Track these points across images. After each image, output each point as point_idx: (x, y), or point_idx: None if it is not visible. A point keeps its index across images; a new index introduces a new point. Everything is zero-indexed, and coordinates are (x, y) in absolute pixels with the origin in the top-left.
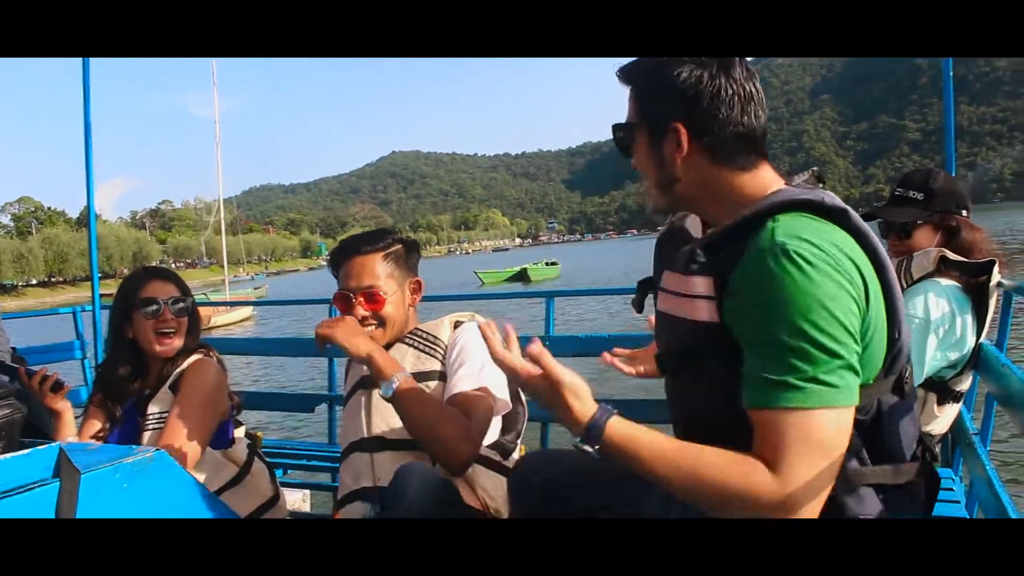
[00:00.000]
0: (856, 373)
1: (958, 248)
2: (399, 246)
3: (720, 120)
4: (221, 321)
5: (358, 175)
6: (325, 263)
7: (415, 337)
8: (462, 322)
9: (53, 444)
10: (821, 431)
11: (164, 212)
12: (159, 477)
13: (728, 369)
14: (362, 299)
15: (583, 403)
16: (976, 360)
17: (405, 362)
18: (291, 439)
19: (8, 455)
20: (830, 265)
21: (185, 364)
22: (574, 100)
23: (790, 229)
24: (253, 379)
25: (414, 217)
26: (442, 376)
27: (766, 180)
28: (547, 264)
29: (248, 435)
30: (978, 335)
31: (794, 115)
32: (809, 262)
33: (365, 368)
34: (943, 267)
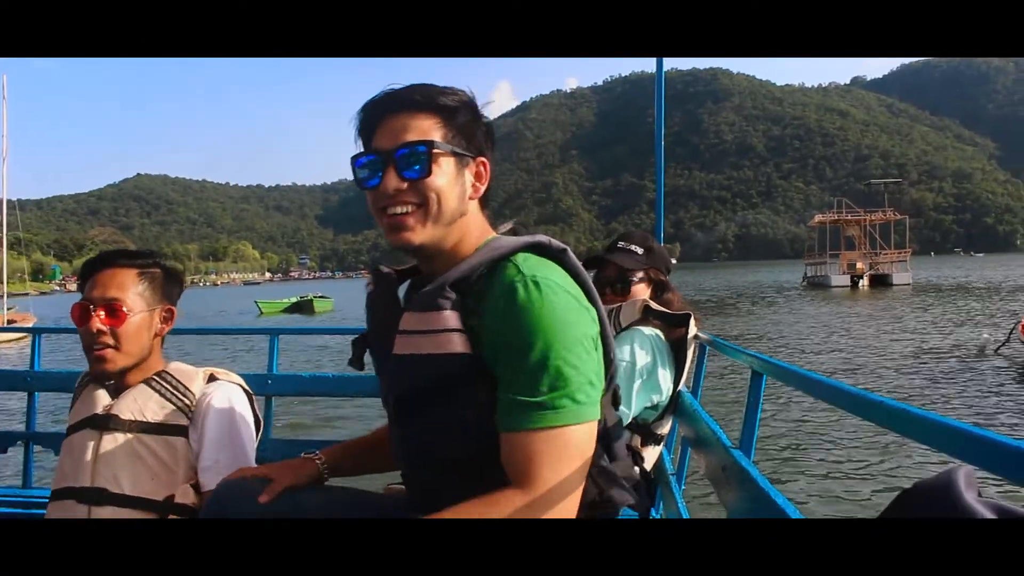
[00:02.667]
0: (596, 387)
1: (661, 303)
2: (158, 269)
3: (493, 164)
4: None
5: (98, 196)
6: (58, 287)
7: (164, 382)
8: (216, 378)
9: None
10: (573, 446)
11: None
12: None
13: (485, 397)
14: (102, 311)
15: None
16: (675, 406)
17: (147, 407)
18: None
19: None
20: (568, 292)
21: None
22: (331, 136)
23: (531, 266)
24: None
25: (158, 244)
26: (186, 432)
27: (486, 228)
28: (321, 297)
29: None
30: (676, 383)
31: (545, 167)
32: (553, 291)
33: (100, 404)
34: (647, 316)
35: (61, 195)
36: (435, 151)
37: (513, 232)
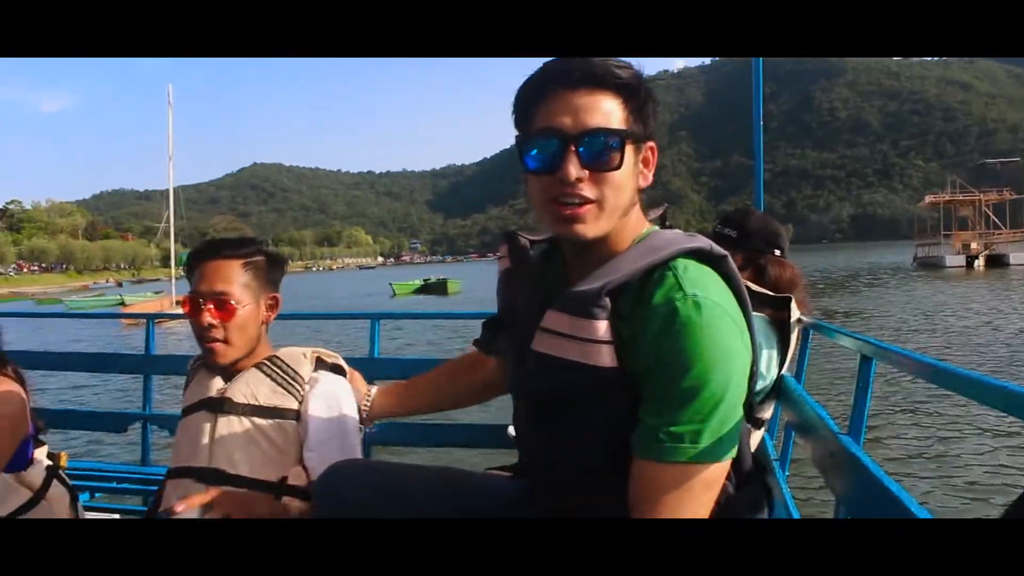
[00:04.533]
0: (740, 421)
1: (767, 283)
2: (261, 257)
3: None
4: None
5: (218, 185)
6: (184, 274)
7: (273, 367)
8: (324, 361)
9: None
10: (704, 484)
11: (13, 212)
12: None
13: (626, 410)
14: (212, 306)
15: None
16: (778, 391)
17: (259, 392)
18: (101, 460)
19: None
20: (728, 315)
21: None
22: (439, 122)
23: (691, 279)
24: (59, 394)
25: (275, 231)
26: (296, 416)
27: (641, 216)
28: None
29: (50, 456)
30: (780, 367)
31: None
32: (714, 314)
33: (214, 387)
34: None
35: (184, 185)
36: (623, 141)
37: (662, 219)
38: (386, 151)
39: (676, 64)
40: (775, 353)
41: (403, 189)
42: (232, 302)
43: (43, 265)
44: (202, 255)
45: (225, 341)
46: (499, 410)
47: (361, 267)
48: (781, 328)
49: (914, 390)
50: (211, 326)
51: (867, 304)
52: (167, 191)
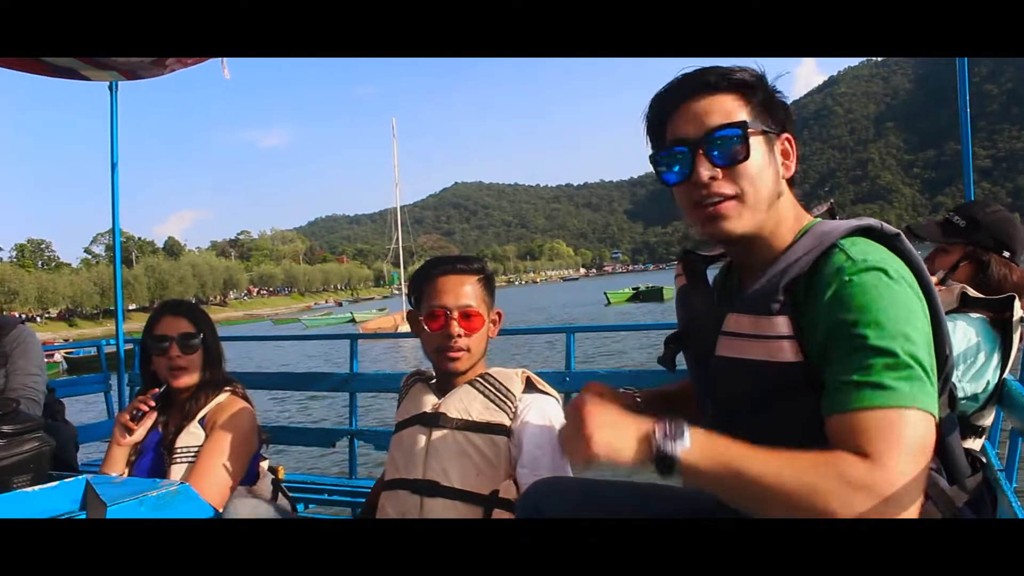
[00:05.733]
0: (932, 380)
1: (989, 282)
2: (488, 273)
3: (798, 141)
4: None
5: (422, 206)
6: (397, 292)
7: (487, 384)
8: (532, 382)
9: (80, 477)
10: (912, 429)
11: (243, 242)
12: (184, 510)
13: (815, 411)
14: (459, 316)
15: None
16: (1000, 395)
17: (472, 408)
18: (311, 473)
19: (36, 487)
20: (906, 280)
21: (215, 401)
22: (636, 130)
23: (861, 250)
24: (277, 413)
25: (478, 247)
26: (508, 432)
27: (800, 210)
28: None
29: (271, 470)
30: (1002, 370)
31: (858, 143)
32: (888, 275)
33: (429, 403)
34: (966, 304)
35: (391, 208)
36: (748, 131)
37: (831, 212)
38: (582, 163)
39: None
40: (996, 355)
41: (601, 199)
42: (478, 314)
43: (270, 289)
44: (436, 271)
45: (468, 350)
46: None
47: (564, 279)
48: (1002, 328)
49: None
50: (458, 336)
51: None
52: (380, 214)
